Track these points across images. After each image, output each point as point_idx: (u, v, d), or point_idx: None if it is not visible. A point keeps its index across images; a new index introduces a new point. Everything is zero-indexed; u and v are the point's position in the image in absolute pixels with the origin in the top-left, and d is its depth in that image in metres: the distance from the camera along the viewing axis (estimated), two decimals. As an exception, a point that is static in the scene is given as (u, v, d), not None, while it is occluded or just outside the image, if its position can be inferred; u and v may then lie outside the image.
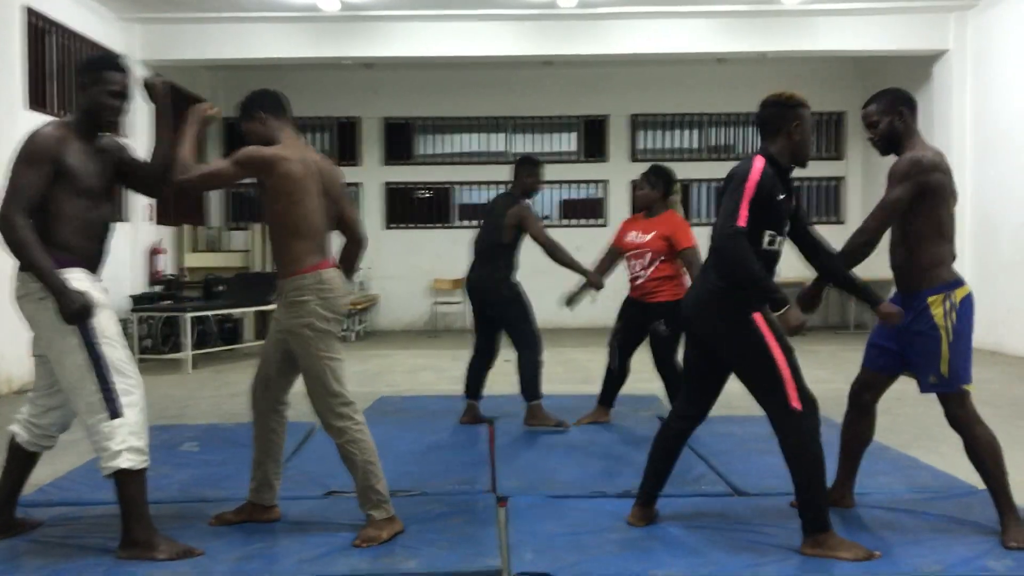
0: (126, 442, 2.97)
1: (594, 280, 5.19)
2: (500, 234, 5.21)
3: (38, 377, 3.26)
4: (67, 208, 3.04)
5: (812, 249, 3.37)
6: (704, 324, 3.17)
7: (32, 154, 2.97)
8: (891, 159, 3.41)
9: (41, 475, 4.20)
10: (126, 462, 2.97)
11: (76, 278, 3.02)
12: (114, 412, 2.98)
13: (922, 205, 3.22)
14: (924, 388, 3.28)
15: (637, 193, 5.47)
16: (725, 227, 3.00)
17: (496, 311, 5.26)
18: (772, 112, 3.17)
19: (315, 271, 3.20)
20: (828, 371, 7.96)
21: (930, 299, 3.21)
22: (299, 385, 3.44)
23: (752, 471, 4.16)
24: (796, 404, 3.00)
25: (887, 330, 3.38)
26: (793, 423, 3.01)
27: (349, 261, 3.57)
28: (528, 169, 5.31)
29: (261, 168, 3.18)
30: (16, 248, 2.94)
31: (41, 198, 2.98)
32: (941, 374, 3.19)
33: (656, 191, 5.21)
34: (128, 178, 3.33)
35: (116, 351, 3.05)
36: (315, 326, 3.18)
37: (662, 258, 5.10)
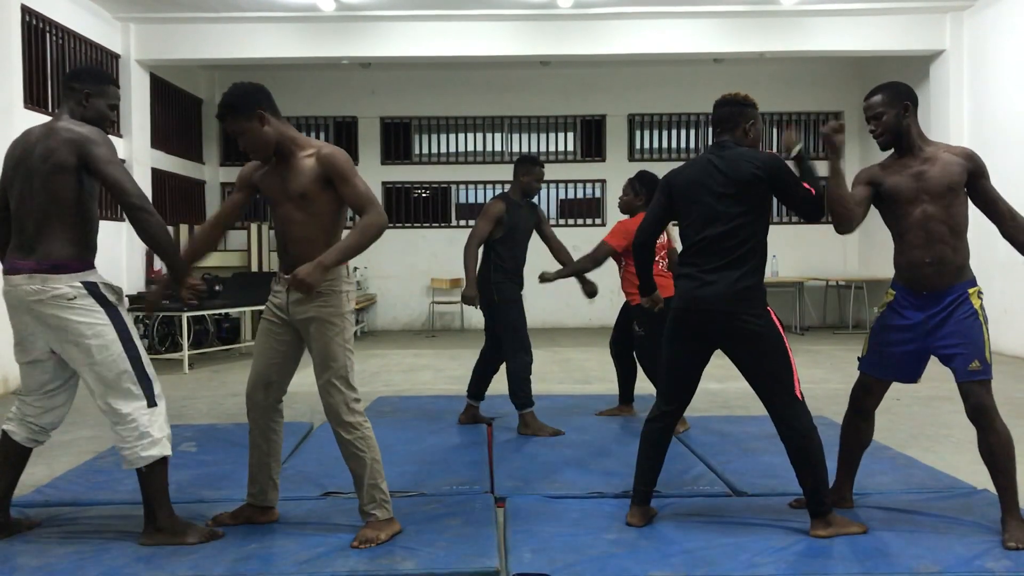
0: (163, 430, 3.15)
1: (469, 296, 5.05)
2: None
3: (30, 381, 3.26)
4: (94, 211, 3.19)
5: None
6: (729, 321, 3.19)
7: (115, 152, 3.14)
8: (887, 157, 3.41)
9: (38, 476, 4.20)
10: (167, 449, 3.14)
11: (102, 276, 3.17)
12: (151, 401, 3.14)
13: (966, 201, 3.28)
14: (964, 376, 3.20)
15: (620, 197, 5.48)
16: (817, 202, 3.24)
17: (486, 312, 5.24)
18: (728, 111, 3.35)
19: (347, 263, 3.22)
20: (826, 371, 7.97)
21: (970, 291, 3.23)
22: (294, 386, 3.44)
23: (750, 471, 4.15)
24: (799, 394, 3.19)
25: (910, 331, 3.30)
26: (799, 410, 3.17)
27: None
28: (526, 168, 5.22)
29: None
30: (163, 235, 3.12)
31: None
32: (985, 359, 3.19)
33: (639, 198, 5.29)
34: None
35: (141, 344, 3.21)
36: (346, 316, 3.20)
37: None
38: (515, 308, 5.13)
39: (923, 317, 3.26)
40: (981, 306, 3.24)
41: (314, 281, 3.01)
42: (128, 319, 3.19)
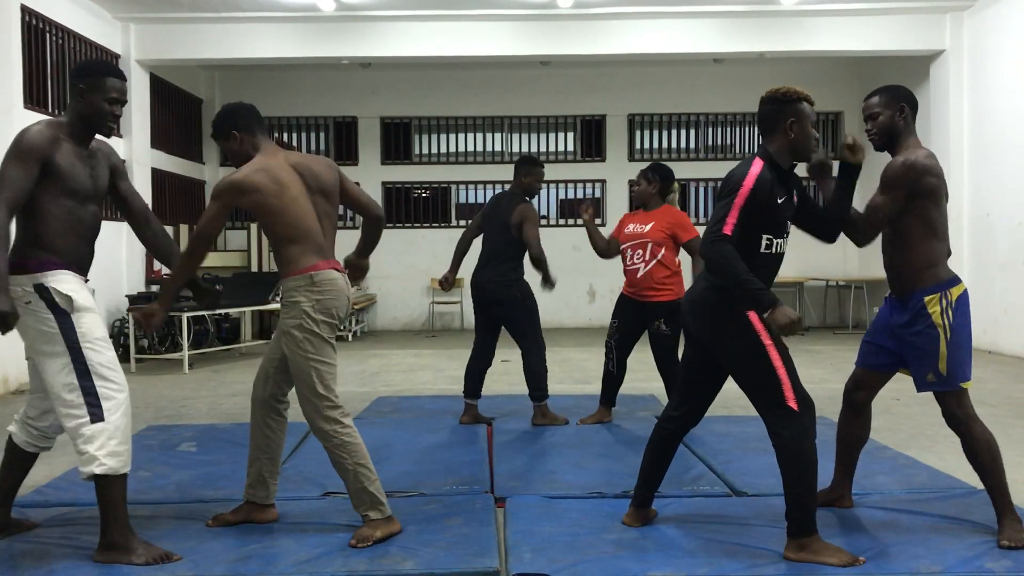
0: (105, 447, 2.94)
1: (550, 282, 5.23)
2: (508, 233, 5.22)
3: (33, 379, 3.24)
4: (53, 208, 3.02)
5: (832, 224, 3.35)
6: (700, 325, 3.15)
7: (21, 151, 2.94)
8: (886, 157, 3.41)
9: (38, 476, 4.19)
10: (100, 468, 2.93)
11: (62, 280, 3.01)
12: (95, 416, 2.95)
13: (913, 207, 3.20)
14: (921, 387, 3.27)
15: (634, 189, 5.52)
16: (709, 233, 2.98)
17: (504, 312, 5.26)
18: (768, 110, 3.09)
19: (307, 273, 3.19)
20: (826, 371, 7.96)
21: (927, 299, 3.19)
22: (296, 386, 3.44)
23: (750, 471, 4.15)
24: (793, 404, 2.94)
25: (883, 329, 3.38)
26: (789, 423, 2.93)
27: (369, 238, 3.62)
28: (527, 169, 5.31)
29: (235, 195, 3.19)
30: None
31: (27, 197, 2.96)
32: (939, 372, 3.18)
33: (652, 186, 5.23)
34: (114, 192, 3.35)
35: (100, 354, 3.02)
36: (304, 327, 3.17)
37: (663, 252, 5.09)
38: (534, 304, 5.29)
39: (895, 319, 3.32)
40: (942, 313, 3.18)
41: (151, 313, 3.17)
42: (88, 326, 3.01)
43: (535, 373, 5.29)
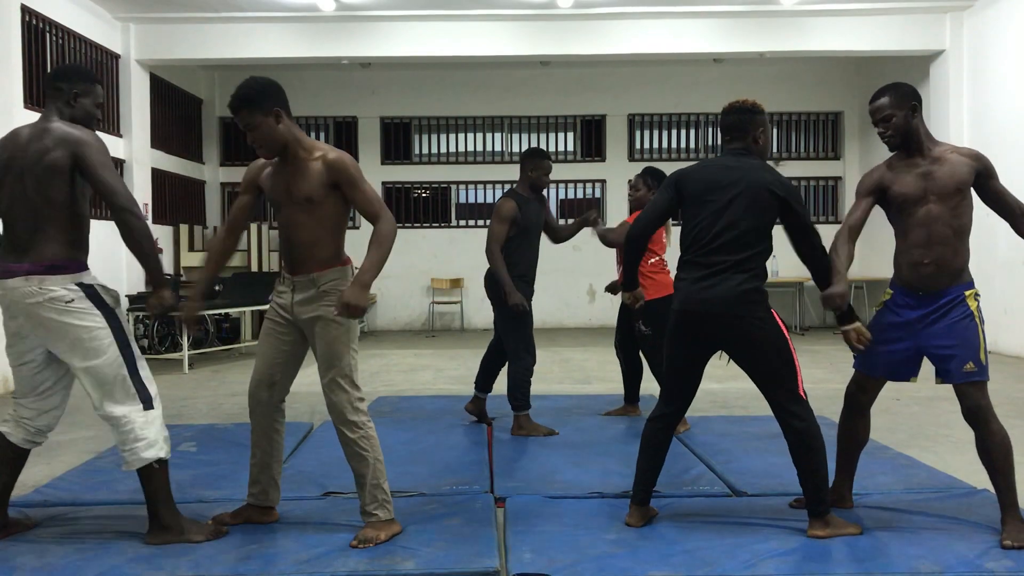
0: (162, 432, 3.15)
1: (516, 304, 4.92)
2: None
3: (21, 383, 3.24)
4: (86, 212, 3.18)
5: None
6: (733, 324, 3.18)
7: (108, 155, 3.13)
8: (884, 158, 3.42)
9: (38, 476, 4.20)
10: (162, 451, 3.13)
11: (97, 279, 3.16)
12: (148, 404, 3.13)
13: (972, 205, 3.23)
14: (958, 377, 3.20)
15: (630, 194, 5.53)
16: (818, 239, 3.26)
17: (496, 311, 5.20)
18: (739, 118, 3.33)
19: (349, 264, 3.25)
20: (826, 371, 7.96)
21: (967, 292, 3.22)
22: (294, 386, 3.44)
23: (750, 471, 4.15)
24: (802, 392, 3.20)
25: (901, 329, 3.31)
26: (801, 409, 3.17)
27: None
28: (533, 162, 5.09)
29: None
30: (147, 240, 3.11)
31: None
32: (980, 361, 3.18)
33: (648, 191, 5.26)
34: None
35: (136, 346, 3.20)
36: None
37: None
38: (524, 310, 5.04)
39: (918, 316, 3.26)
40: (978, 308, 3.23)
41: (365, 304, 3.02)
42: (124, 322, 3.17)
43: (514, 378, 5.05)
